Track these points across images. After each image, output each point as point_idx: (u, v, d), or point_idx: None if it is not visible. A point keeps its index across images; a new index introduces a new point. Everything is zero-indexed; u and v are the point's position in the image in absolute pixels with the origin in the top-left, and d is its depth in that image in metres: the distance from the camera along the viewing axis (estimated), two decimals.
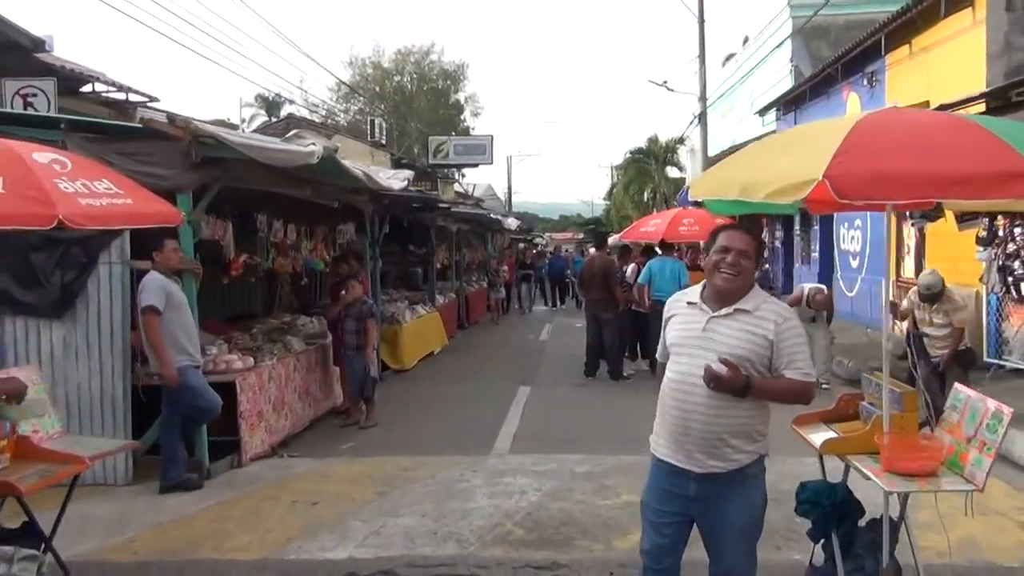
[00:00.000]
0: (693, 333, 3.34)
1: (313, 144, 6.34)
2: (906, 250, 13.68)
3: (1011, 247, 9.96)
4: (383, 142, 29.16)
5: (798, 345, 3.29)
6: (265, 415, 7.50)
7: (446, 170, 39.63)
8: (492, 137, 29.34)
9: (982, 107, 10.42)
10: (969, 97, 10.16)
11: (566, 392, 10.82)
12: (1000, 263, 10.04)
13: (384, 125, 29.73)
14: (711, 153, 29.57)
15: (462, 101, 50.27)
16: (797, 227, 20.66)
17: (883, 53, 13.70)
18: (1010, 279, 9.97)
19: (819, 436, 4.25)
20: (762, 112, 23.12)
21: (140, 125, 6.05)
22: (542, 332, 18.08)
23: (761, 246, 3.30)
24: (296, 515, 5.72)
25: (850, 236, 16.54)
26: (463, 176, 43.26)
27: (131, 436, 6.39)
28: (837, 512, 4.12)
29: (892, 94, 13.97)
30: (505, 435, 8.26)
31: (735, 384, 3.15)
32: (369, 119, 29.74)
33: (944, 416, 3.95)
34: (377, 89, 47.04)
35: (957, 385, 3.99)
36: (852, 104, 16.12)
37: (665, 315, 3.55)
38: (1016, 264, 9.89)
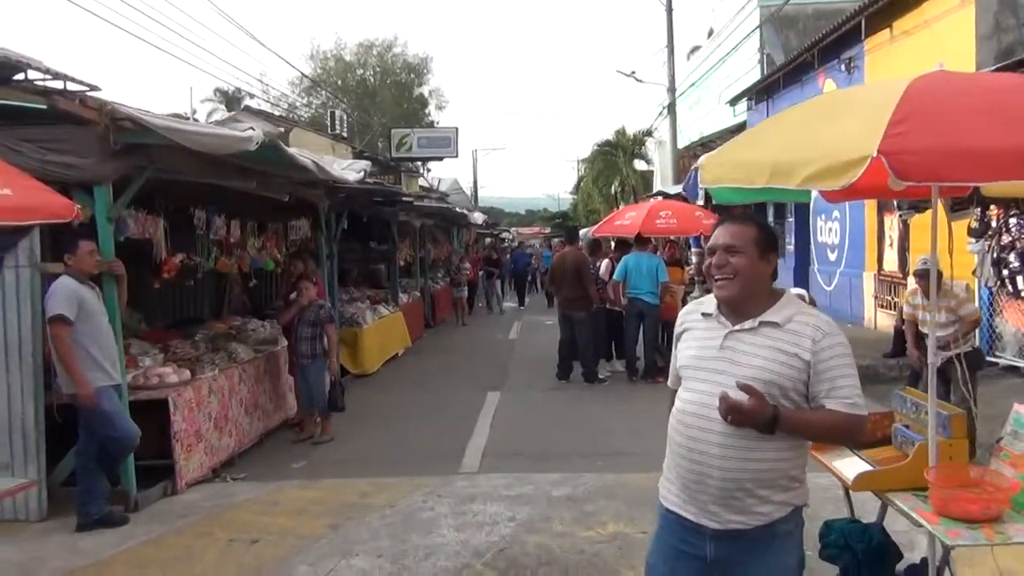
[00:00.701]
0: (708, 352, 2.65)
1: (252, 129, 5.56)
2: (888, 242, 13.17)
3: (1006, 238, 9.43)
4: (344, 135, 28.22)
5: (843, 368, 2.59)
6: (205, 434, 6.70)
7: (410, 164, 38.75)
8: (457, 129, 28.51)
9: None
10: None
11: (538, 397, 10.11)
12: (994, 256, 9.50)
13: (345, 118, 28.78)
14: (679, 145, 29.18)
15: (426, 95, 49.34)
16: (771, 218, 20.13)
17: (863, 37, 13.14)
18: (1005, 272, 9.45)
19: (846, 465, 3.57)
20: (733, 102, 22.59)
21: (45, 107, 5.21)
22: (511, 331, 17.36)
23: (768, 236, 2.66)
24: (232, 557, 4.94)
25: (828, 228, 16.03)
26: (428, 171, 42.39)
27: (45, 465, 5.58)
28: (871, 558, 3.45)
29: (872, 79, 13.43)
30: (474, 450, 7.54)
31: (759, 417, 2.45)
32: (330, 111, 28.71)
33: (1002, 443, 3.29)
34: (339, 83, 45.97)
35: (1019, 407, 3.32)
36: (829, 91, 15.58)
37: (676, 329, 2.85)
38: (1012, 257, 9.37)
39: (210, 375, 6.94)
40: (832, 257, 15.78)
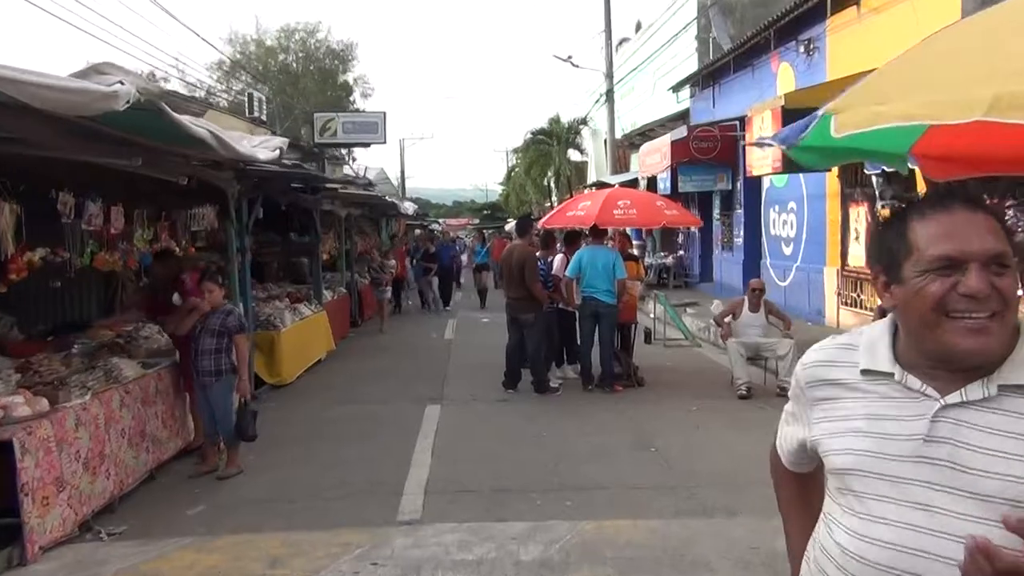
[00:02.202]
0: (903, 447, 1.43)
1: (120, 83, 4.16)
2: (854, 235, 12.30)
3: None
4: (264, 119, 26.36)
5: None
6: (70, 479, 5.23)
7: (336, 151, 36.93)
8: (385, 114, 26.84)
9: None
10: None
11: (485, 412, 8.85)
12: None
13: (265, 101, 26.91)
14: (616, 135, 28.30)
15: (351, 82, 47.52)
16: (717, 210, 19.28)
17: (828, 15, 12.21)
18: None
19: None
20: (676, 88, 21.68)
21: None
22: (446, 330, 16.01)
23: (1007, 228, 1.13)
24: None
25: (782, 220, 15.17)
26: (354, 160, 40.66)
27: None
28: None
29: (835, 63, 12.55)
30: (414, 486, 6.23)
31: None
32: (248, 93, 26.78)
33: None
34: (261, 68, 43.84)
35: None
36: (784, 76, 14.70)
37: (800, 384, 1.63)
38: None
39: (78, 403, 5.46)
40: (787, 251, 14.92)
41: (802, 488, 1.79)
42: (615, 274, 9.59)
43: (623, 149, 28.83)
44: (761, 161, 12.12)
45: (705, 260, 20.70)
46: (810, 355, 1.66)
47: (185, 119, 5.38)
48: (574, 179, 34.16)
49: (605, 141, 31.01)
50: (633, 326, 10.34)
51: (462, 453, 7.16)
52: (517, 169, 41.22)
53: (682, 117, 21.39)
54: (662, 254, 22.64)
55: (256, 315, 10.42)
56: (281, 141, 7.85)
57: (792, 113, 11.43)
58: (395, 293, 18.91)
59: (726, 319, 9.70)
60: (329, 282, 15.37)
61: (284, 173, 9.63)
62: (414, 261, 20.25)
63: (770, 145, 3.75)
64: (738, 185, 17.63)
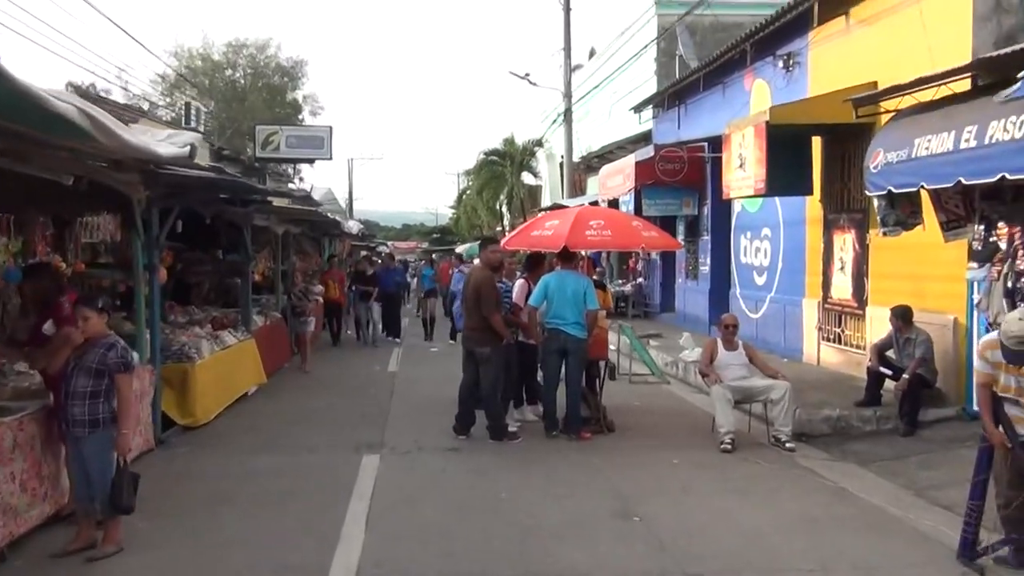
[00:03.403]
0: None
1: None
2: (838, 265, 11.28)
3: (1022, 263, 7.53)
4: (201, 130, 24.80)
5: None
6: None
7: (280, 168, 35.38)
8: (331, 128, 25.46)
9: (968, 83, 8.07)
10: (956, 69, 7.74)
11: (433, 465, 7.49)
12: (1008, 284, 7.59)
13: (203, 109, 25.31)
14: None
15: (300, 100, 46.23)
16: (682, 236, 18.24)
17: (815, 24, 11.25)
18: (1021, 305, 7.53)
19: None
20: (638, 109, 20.73)
21: None
22: (390, 361, 14.59)
23: None
24: None
25: (754, 248, 14.14)
26: (301, 179, 39.19)
27: None
28: None
29: (818, 78, 11.61)
30: (342, 572, 4.87)
31: None
32: (186, 103, 25.16)
33: None
34: (207, 83, 42.31)
35: None
36: (758, 94, 13.75)
37: None
38: None
39: None
40: (760, 281, 13.89)
41: None
42: (586, 304, 8.37)
43: (579, 172, 27.86)
44: (741, 183, 11.07)
45: (667, 289, 19.63)
46: None
47: (40, 90, 4.01)
48: (527, 202, 33.08)
49: (561, 164, 30.05)
50: (603, 364, 9.12)
51: (404, 524, 5.80)
52: (469, 191, 40.02)
53: (644, 139, 20.46)
54: (619, 281, 21.54)
55: (168, 344, 8.96)
56: (192, 137, 6.47)
57: (778, 129, 10.44)
58: (331, 322, 17.19)
59: (710, 363, 8.52)
60: (263, 306, 13.90)
61: (205, 179, 8.24)
62: (353, 286, 17.88)
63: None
64: (705, 210, 16.63)
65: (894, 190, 7.84)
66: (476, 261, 10.64)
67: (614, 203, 18.17)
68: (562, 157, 29.34)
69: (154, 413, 8.06)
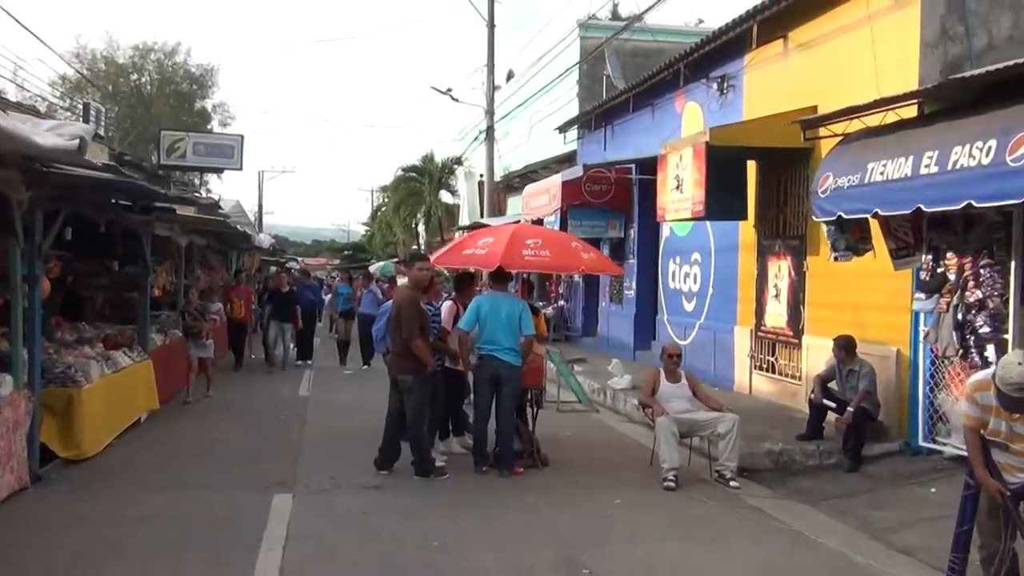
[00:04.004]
0: None
1: None
2: (772, 292, 11.02)
3: (972, 295, 7.30)
4: (102, 134, 23.30)
5: None
6: None
7: (186, 179, 33.84)
8: (242, 137, 24.27)
9: (914, 110, 7.89)
10: (906, 94, 7.54)
11: (353, 506, 6.71)
12: (958, 317, 7.35)
13: (103, 111, 23.80)
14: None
15: (209, 109, 44.46)
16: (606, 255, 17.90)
17: (752, 46, 11.02)
18: (971, 338, 7.31)
19: None
20: (563, 129, 20.40)
21: None
22: (301, 384, 13.67)
23: None
24: None
25: (683, 273, 13.84)
26: (208, 190, 37.56)
27: None
28: None
29: (753, 101, 11.39)
30: None
31: None
32: (84, 103, 23.57)
33: None
34: (110, 88, 40.26)
35: None
36: (690, 116, 13.52)
37: None
38: (980, 319, 7.24)
39: None
40: (689, 307, 13.59)
41: None
42: (521, 328, 7.78)
43: (500, 192, 27.40)
44: (677, 205, 10.72)
45: (589, 312, 19.24)
46: None
47: None
48: (445, 221, 32.44)
49: (480, 183, 29.52)
50: (540, 392, 8.55)
51: None
52: (384, 208, 39.08)
53: (568, 159, 20.16)
54: (541, 304, 21.04)
55: (50, 366, 7.94)
56: (82, 129, 5.61)
57: (717, 150, 10.12)
58: (236, 343, 15.63)
59: (652, 395, 8.03)
60: (162, 323, 12.80)
61: (99, 180, 7.32)
62: (264, 303, 16.37)
63: None
64: (632, 232, 16.32)
65: (844, 216, 7.56)
66: (402, 280, 9.94)
67: (538, 223, 17.70)
68: (481, 176, 28.89)
69: (31, 446, 7.06)
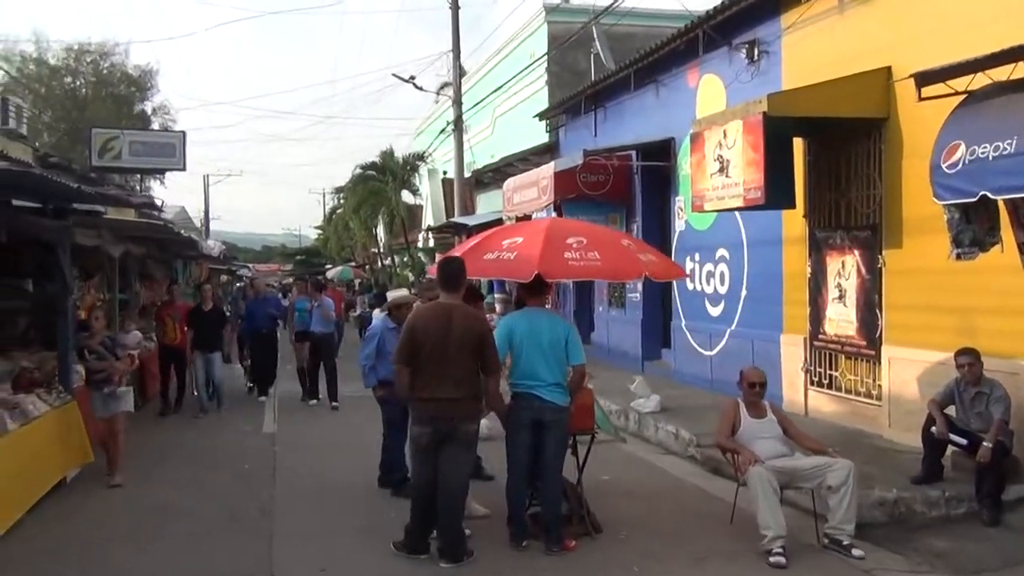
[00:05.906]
0: None
1: None
2: (834, 294, 9.23)
3: None
4: (23, 132, 20.77)
5: None
6: None
7: (123, 180, 31.11)
8: (184, 134, 21.86)
9: None
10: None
11: None
12: None
13: (23, 105, 21.20)
14: (450, 174, 25.06)
15: (149, 112, 41.86)
16: None
17: (790, 5, 9.21)
18: None
19: None
20: (544, 116, 18.55)
21: None
22: (265, 418, 11.49)
23: None
24: None
25: (705, 271, 12.02)
26: (150, 197, 34.96)
27: None
28: None
29: (796, 68, 9.62)
30: None
31: None
32: (2, 98, 20.95)
33: None
34: (42, 90, 37.45)
35: None
36: (708, 91, 11.72)
37: None
38: None
39: None
40: (715, 311, 11.76)
41: None
42: (568, 357, 5.85)
43: (468, 189, 25.37)
44: (723, 192, 8.89)
45: (581, 318, 17.28)
46: None
47: None
48: (408, 222, 30.33)
49: (445, 180, 27.47)
50: (591, 438, 6.64)
51: None
52: (341, 209, 36.74)
53: (548, 150, 18.31)
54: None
55: None
56: None
57: (778, 122, 8.32)
58: (167, 377, 11.89)
59: (731, 435, 6.18)
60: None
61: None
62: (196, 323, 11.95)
63: None
64: (634, 228, 14.46)
65: (990, 195, 5.76)
66: (398, 293, 7.84)
67: (526, 220, 15.79)
68: (446, 172, 26.82)
69: None
